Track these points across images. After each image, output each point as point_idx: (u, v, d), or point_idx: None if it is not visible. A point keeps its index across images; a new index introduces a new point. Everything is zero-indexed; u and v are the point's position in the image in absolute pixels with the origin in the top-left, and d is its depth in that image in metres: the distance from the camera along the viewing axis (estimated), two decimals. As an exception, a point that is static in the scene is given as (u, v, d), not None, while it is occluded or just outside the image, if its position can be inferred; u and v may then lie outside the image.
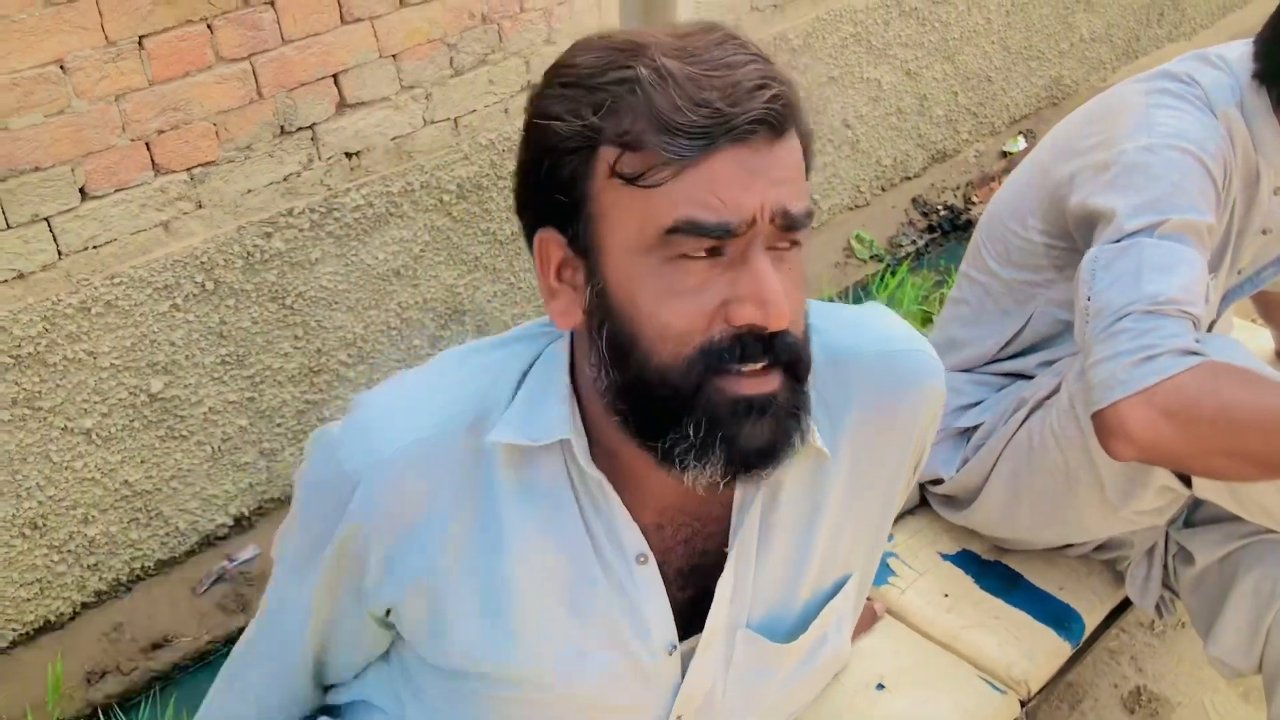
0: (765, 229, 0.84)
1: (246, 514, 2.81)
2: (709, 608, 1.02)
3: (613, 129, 0.84)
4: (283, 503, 2.88)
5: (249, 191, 2.53)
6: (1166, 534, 1.74)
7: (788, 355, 0.87)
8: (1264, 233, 1.69)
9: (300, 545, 1.01)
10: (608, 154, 0.84)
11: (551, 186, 0.88)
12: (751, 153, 0.82)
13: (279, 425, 2.79)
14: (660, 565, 1.01)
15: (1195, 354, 1.35)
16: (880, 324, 1.06)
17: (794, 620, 1.08)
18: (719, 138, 0.81)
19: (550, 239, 0.90)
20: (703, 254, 0.84)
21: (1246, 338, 2.31)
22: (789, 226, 0.85)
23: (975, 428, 1.79)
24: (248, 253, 2.56)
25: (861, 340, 1.04)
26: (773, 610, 1.06)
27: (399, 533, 0.95)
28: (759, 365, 0.86)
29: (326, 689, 1.16)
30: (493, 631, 0.98)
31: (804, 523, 1.05)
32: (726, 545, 1.01)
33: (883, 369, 1.03)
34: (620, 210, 0.85)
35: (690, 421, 0.87)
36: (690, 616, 1.03)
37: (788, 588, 1.06)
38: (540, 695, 1.01)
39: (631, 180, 0.83)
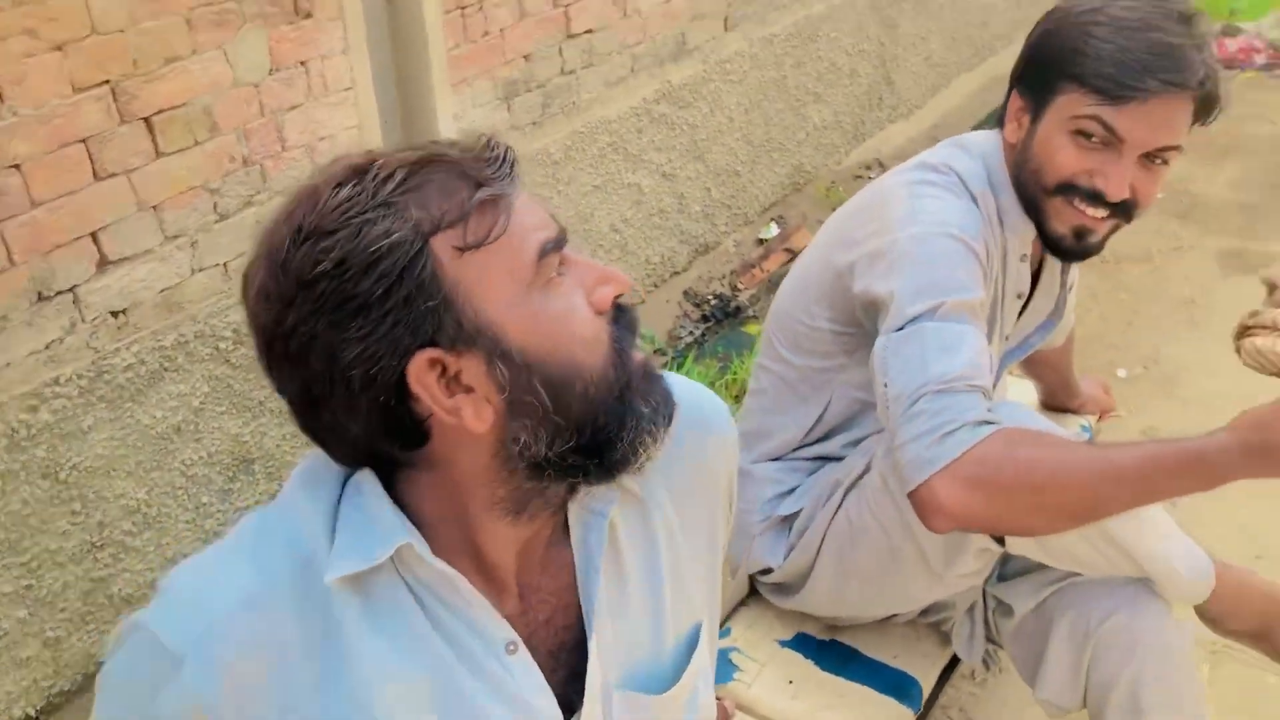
0: None
1: (33, 714, 2.56)
2: (582, 686, 1.02)
3: (434, 217, 0.86)
4: (73, 694, 2.64)
5: (8, 365, 2.35)
6: (984, 591, 1.84)
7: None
8: (1018, 296, 1.84)
9: None
10: (446, 239, 0.86)
11: (417, 301, 0.86)
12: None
13: (63, 610, 2.57)
14: (530, 653, 0.99)
15: (989, 423, 1.45)
16: (672, 375, 1.10)
17: (668, 670, 1.09)
18: (509, 170, 0.90)
19: (420, 370, 0.87)
20: (556, 272, 0.91)
21: (1014, 390, 2.49)
22: None
23: (795, 514, 1.85)
24: (12, 430, 2.38)
25: None
26: (644, 663, 1.07)
27: (247, 696, 0.89)
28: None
29: None
30: None
31: (648, 566, 1.07)
32: (583, 616, 1.03)
33: (686, 409, 1.04)
34: (486, 274, 0.88)
35: (641, 401, 0.94)
36: (566, 698, 1.02)
37: (654, 636, 1.08)
38: None
39: (482, 243, 0.87)
